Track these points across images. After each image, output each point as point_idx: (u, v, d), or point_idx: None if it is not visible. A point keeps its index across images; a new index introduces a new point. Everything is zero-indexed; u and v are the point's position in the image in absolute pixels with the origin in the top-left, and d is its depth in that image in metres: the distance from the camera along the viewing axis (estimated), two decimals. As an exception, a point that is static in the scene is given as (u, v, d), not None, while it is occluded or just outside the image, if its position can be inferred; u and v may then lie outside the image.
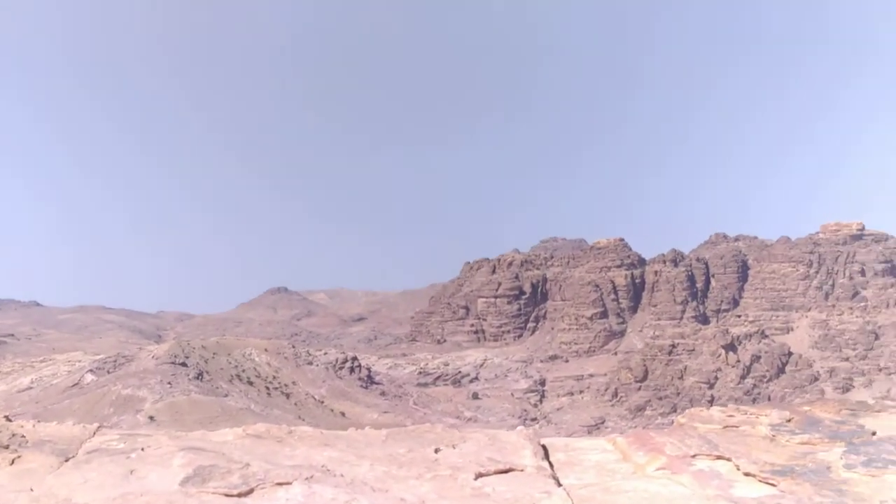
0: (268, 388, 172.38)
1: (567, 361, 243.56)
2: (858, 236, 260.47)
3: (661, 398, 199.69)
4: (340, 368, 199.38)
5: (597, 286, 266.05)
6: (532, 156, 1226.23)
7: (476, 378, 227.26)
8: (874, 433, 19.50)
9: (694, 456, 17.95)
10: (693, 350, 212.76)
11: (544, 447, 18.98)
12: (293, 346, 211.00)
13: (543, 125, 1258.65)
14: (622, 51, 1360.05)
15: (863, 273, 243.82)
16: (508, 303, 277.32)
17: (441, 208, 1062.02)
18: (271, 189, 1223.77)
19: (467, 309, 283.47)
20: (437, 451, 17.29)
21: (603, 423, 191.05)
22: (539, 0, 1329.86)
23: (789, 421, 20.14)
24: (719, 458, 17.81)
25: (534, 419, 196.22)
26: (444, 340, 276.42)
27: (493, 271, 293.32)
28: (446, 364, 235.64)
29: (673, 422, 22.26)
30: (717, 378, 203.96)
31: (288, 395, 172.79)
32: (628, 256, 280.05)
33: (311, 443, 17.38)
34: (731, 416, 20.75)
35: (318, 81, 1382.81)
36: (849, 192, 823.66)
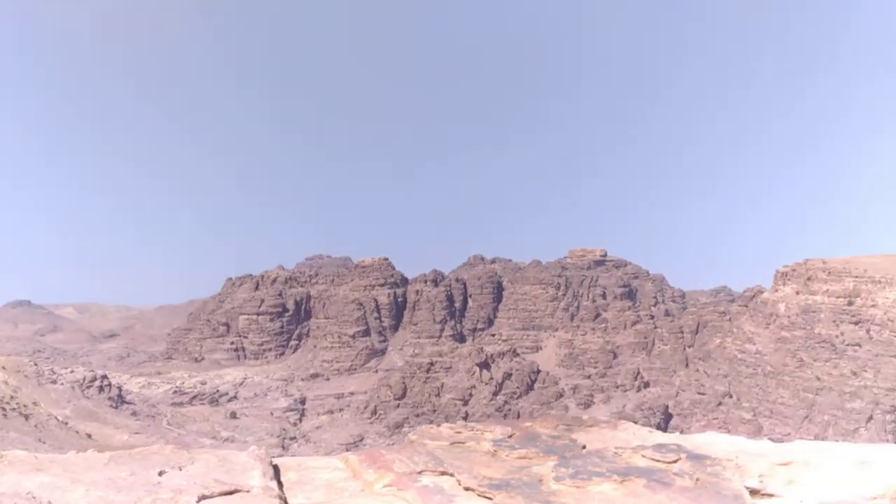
0: (4, 408, 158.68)
1: (328, 379, 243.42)
2: (601, 262, 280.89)
3: (418, 415, 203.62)
4: (88, 387, 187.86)
5: (360, 304, 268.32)
6: (298, 172, 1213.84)
7: (235, 397, 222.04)
8: (584, 447, 21.19)
9: (420, 472, 18.63)
10: (450, 368, 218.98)
11: (276, 467, 19.01)
12: (35, 364, 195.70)
13: (314, 143, 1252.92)
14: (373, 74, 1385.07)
15: (604, 296, 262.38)
16: (271, 320, 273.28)
17: (203, 221, 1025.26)
18: (12, 191, 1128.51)
19: (228, 326, 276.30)
20: (161, 473, 16.87)
21: (362, 440, 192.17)
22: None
23: (511, 437, 21.44)
24: (443, 473, 18.60)
25: (293, 438, 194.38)
26: (203, 358, 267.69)
27: (257, 288, 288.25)
28: (204, 383, 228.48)
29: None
30: (471, 395, 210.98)
31: (27, 417, 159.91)
32: (392, 275, 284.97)
33: (22, 468, 16.40)
34: (458, 432, 21.75)
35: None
36: (591, 220, 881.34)
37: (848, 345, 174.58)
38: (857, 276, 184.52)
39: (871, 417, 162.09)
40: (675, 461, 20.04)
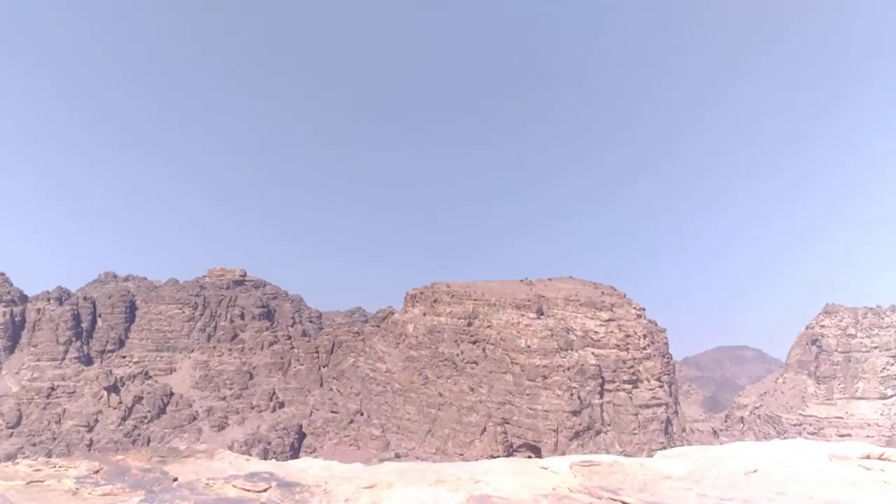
0: None
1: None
2: (240, 282, 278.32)
3: (35, 444, 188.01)
4: None
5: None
6: None
7: None
8: (176, 479, 21.08)
9: (-14, 517, 17.49)
10: (74, 392, 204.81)
11: None
12: None
13: None
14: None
15: (242, 316, 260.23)
16: None
17: None
18: None
19: None
20: None
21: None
22: None
23: (97, 472, 20.71)
24: (13, 517, 17.60)
25: None
26: None
27: None
28: None
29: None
30: (97, 421, 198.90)
31: None
32: (9, 292, 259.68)
33: None
34: (38, 470, 20.62)
35: None
36: (234, 239, 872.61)
37: (467, 362, 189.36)
38: (475, 300, 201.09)
39: (484, 429, 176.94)
40: (265, 490, 20.63)
